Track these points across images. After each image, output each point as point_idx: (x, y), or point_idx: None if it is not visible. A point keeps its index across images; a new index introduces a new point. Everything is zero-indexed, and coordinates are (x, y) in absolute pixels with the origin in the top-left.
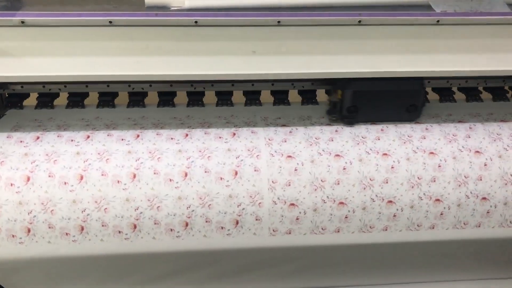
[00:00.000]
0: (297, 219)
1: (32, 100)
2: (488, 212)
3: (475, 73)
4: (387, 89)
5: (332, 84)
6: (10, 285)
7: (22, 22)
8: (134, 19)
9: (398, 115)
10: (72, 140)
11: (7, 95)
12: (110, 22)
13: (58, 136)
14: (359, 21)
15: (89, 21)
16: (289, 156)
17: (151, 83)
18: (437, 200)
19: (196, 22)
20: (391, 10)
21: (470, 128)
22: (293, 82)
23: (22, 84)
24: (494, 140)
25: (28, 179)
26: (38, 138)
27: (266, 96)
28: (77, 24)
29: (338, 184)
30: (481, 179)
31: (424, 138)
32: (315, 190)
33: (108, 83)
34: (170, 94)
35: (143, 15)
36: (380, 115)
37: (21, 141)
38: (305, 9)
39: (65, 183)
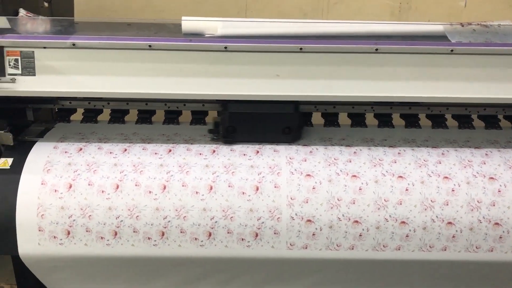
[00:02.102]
0: (313, 234)
1: (78, 116)
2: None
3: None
4: (262, 111)
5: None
6: (49, 282)
7: (73, 44)
8: (171, 43)
9: (275, 136)
10: (110, 153)
11: (56, 110)
12: (150, 46)
13: (98, 149)
14: (376, 49)
15: (131, 45)
16: (308, 175)
17: (185, 102)
18: (449, 223)
19: (225, 47)
20: (409, 39)
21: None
22: (315, 104)
23: (70, 99)
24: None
25: (70, 186)
26: (81, 149)
27: None
28: (120, 47)
29: (354, 203)
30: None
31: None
32: (331, 208)
33: (146, 101)
34: (202, 113)
35: (179, 41)
36: (258, 136)
37: (65, 152)
38: (325, 38)
39: (102, 191)
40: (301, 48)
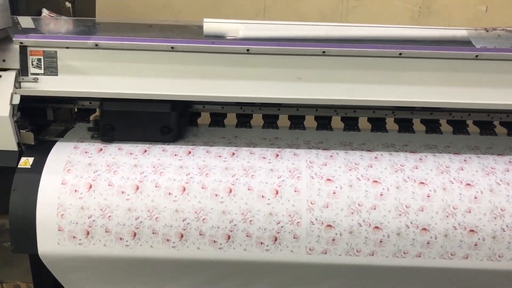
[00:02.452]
0: (333, 240)
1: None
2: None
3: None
4: (139, 110)
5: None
6: (67, 282)
7: (96, 45)
8: (193, 45)
9: (154, 136)
10: (131, 153)
11: (76, 110)
12: (172, 47)
13: (118, 149)
14: (400, 54)
15: (154, 46)
16: (329, 180)
17: (204, 104)
18: (472, 231)
19: (248, 50)
20: (433, 44)
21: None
22: (335, 108)
23: (90, 99)
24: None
25: (90, 186)
26: (101, 150)
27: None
28: (142, 48)
29: (374, 209)
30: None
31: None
32: (352, 213)
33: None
34: (221, 115)
35: (201, 42)
36: (137, 135)
37: (86, 152)
38: (348, 41)
39: (122, 192)
40: (323, 52)
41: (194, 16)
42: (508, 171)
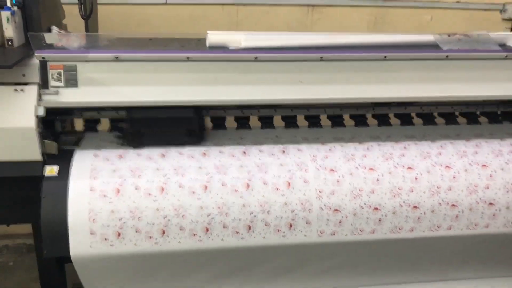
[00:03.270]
0: (339, 222)
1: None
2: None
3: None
4: (165, 116)
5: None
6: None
7: (116, 57)
8: (208, 55)
9: (180, 139)
10: (150, 158)
11: (83, 121)
12: (188, 57)
13: (138, 155)
14: (385, 57)
15: (171, 57)
16: (332, 170)
17: (209, 109)
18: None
19: (256, 57)
20: (409, 48)
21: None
22: (325, 108)
23: (98, 110)
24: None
25: (118, 191)
26: (121, 156)
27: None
28: (160, 59)
29: (373, 192)
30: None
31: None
32: (354, 198)
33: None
34: (222, 119)
35: (214, 52)
36: (164, 139)
37: (107, 159)
38: (344, 48)
39: (149, 194)
40: (321, 57)
41: (170, 30)
42: (477, 153)
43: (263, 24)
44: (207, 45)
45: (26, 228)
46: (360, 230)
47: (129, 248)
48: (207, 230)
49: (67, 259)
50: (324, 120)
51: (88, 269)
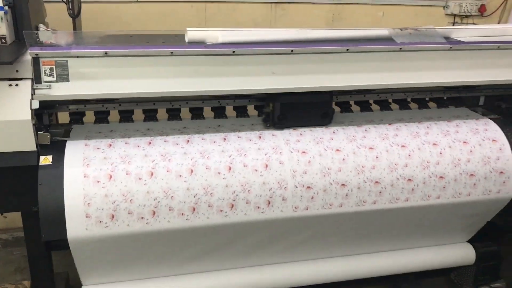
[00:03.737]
0: (312, 198)
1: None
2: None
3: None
4: (305, 101)
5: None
6: (85, 268)
7: (106, 53)
8: (191, 50)
9: (315, 120)
10: (138, 146)
11: (70, 114)
12: (171, 52)
13: (126, 143)
14: (347, 49)
15: (156, 52)
16: (304, 152)
17: (186, 99)
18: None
19: (233, 52)
20: (368, 42)
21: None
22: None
23: (85, 103)
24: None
25: (111, 177)
26: (110, 145)
27: None
28: (147, 54)
29: (340, 171)
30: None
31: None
32: (324, 176)
33: (171, 100)
34: (199, 109)
35: (195, 47)
36: (301, 121)
37: (97, 148)
38: (312, 42)
39: (139, 178)
40: (292, 51)
41: (142, 27)
42: (428, 134)
43: (230, 20)
44: (186, 40)
45: (1, 223)
46: (330, 205)
47: (123, 229)
48: (194, 209)
49: (55, 247)
50: None
51: (83, 250)
